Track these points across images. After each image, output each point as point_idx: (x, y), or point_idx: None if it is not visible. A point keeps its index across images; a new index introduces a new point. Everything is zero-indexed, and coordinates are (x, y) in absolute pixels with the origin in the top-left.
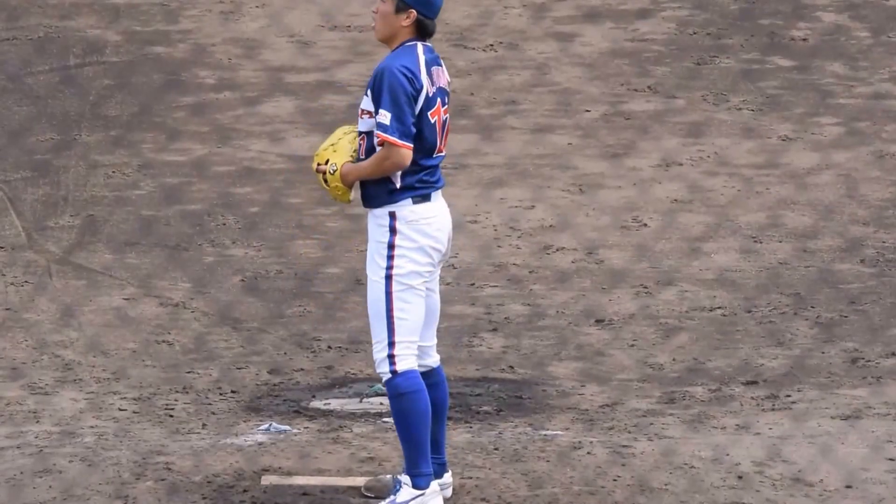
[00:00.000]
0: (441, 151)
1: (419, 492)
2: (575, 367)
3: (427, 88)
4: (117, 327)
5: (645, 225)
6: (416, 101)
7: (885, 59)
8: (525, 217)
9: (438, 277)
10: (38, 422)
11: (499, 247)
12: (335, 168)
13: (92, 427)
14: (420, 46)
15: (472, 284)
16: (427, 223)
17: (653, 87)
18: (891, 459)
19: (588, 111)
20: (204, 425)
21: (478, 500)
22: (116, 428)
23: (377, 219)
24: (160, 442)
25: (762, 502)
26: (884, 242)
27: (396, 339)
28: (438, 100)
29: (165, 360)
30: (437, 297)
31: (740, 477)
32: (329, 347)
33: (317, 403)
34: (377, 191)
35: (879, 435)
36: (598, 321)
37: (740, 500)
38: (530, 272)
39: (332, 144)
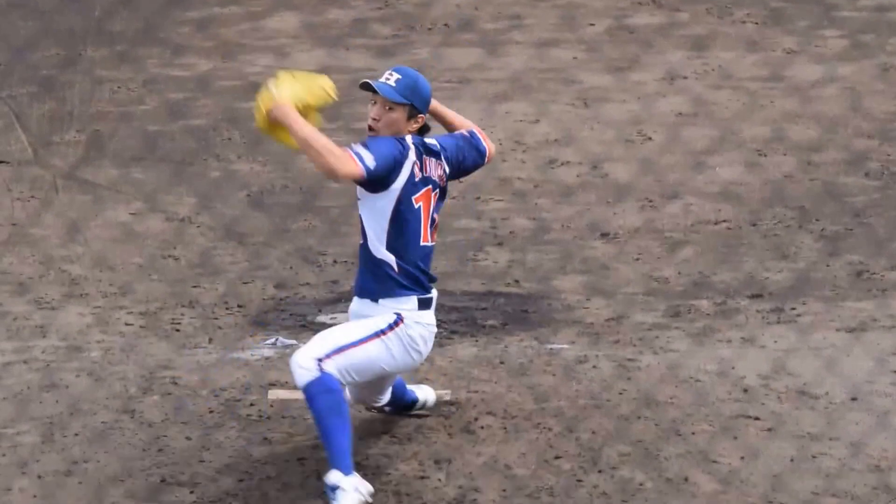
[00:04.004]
0: (428, 241)
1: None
2: (580, 281)
3: (414, 171)
4: (123, 242)
5: (649, 139)
6: (398, 164)
7: None
8: (530, 131)
9: None
10: (44, 336)
11: (504, 161)
12: (276, 94)
13: (98, 342)
14: (409, 138)
15: (478, 198)
16: (423, 342)
17: (657, 1)
18: None
19: (592, 25)
20: (210, 340)
21: (484, 414)
22: (123, 343)
23: (380, 308)
24: (167, 356)
25: (767, 415)
26: (888, 156)
27: (337, 362)
28: (427, 188)
29: (171, 274)
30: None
31: (746, 390)
32: (335, 262)
33: (323, 318)
34: (379, 286)
35: (885, 347)
36: (604, 235)
37: (746, 413)
38: (535, 186)
39: (300, 80)
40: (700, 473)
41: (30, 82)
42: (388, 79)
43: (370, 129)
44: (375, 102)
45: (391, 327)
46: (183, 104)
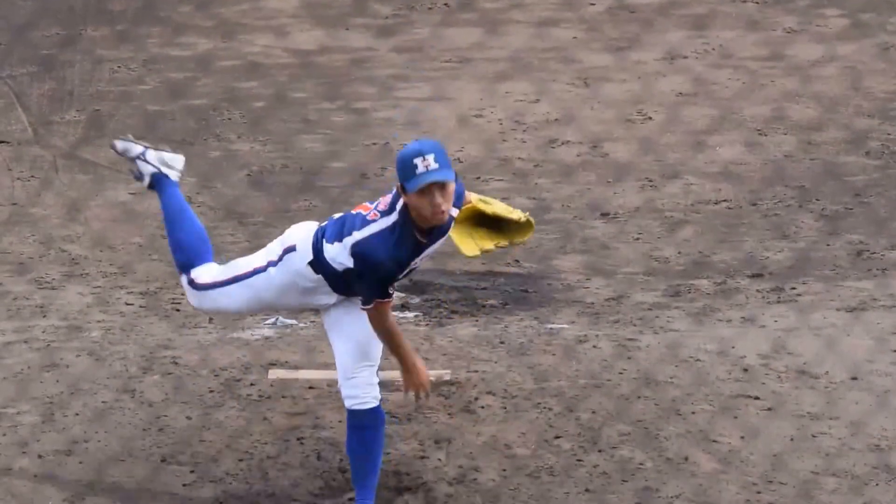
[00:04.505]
0: None
1: None
2: (580, 260)
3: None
4: (123, 222)
5: (650, 118)
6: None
7: None
8: (530, 111)
9: None
10: (44, 316)
11: (504, 141)
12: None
13: (99, 321)
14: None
15: (478, 178)
16: None
17: None
18: None
19: (593, 4)
20: (210, 319)
21: (484, 394)
22: (123, 322)
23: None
24: (167, 336)
25: (767, 395)
26: (888, 135)
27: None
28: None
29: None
30: None
31: (746, 370)
32: None
33: None
34: None
35: (885, 327)
36: (604, 215)
37: (746, 392)
38: (535, 166)
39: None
40: (700, 453)
41: (30, 62)
42: (430, 165)
43: (440, 216)
44: (438, 191)
45: None
46: (183, 84)
